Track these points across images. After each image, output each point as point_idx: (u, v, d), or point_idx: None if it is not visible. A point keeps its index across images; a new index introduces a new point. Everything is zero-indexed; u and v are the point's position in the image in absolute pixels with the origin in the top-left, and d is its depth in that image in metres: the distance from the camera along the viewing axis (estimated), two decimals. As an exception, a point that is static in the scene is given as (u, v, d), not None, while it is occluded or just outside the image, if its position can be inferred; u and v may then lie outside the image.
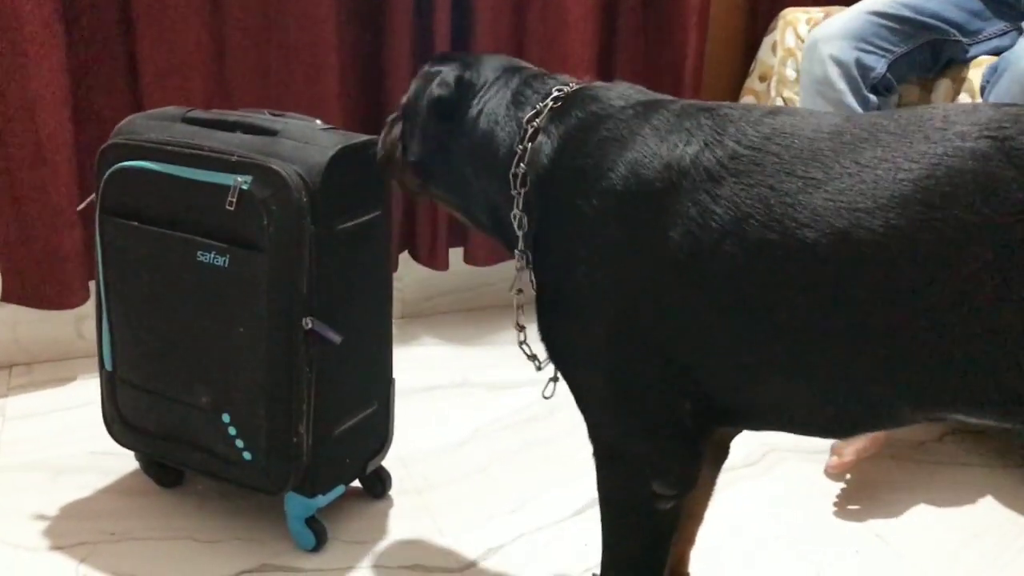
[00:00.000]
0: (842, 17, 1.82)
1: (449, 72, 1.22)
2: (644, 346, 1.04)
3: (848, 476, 1.75)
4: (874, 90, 1.77)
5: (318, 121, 1.48)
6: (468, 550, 1.53)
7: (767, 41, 2.34)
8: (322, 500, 1.49)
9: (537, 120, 1.14)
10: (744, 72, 2.48)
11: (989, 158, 0.85)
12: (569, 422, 1.93)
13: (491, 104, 1.19)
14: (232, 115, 1.50)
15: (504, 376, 2.08)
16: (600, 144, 1.06)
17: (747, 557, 1.53)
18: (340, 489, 1.54)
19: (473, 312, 2.41)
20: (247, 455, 1.45)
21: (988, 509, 1.68)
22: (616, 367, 1.08)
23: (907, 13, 1.77)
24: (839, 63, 1.76)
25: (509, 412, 1.95)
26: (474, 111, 1.19)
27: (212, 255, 1.40)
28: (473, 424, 1.91)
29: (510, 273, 2.46)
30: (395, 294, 2.18)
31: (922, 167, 0.87)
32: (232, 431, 1.45)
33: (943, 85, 1.87)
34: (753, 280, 0.95)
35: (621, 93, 1.14)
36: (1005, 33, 1.76)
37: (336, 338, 1.39)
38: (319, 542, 1.50)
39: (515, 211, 1.14)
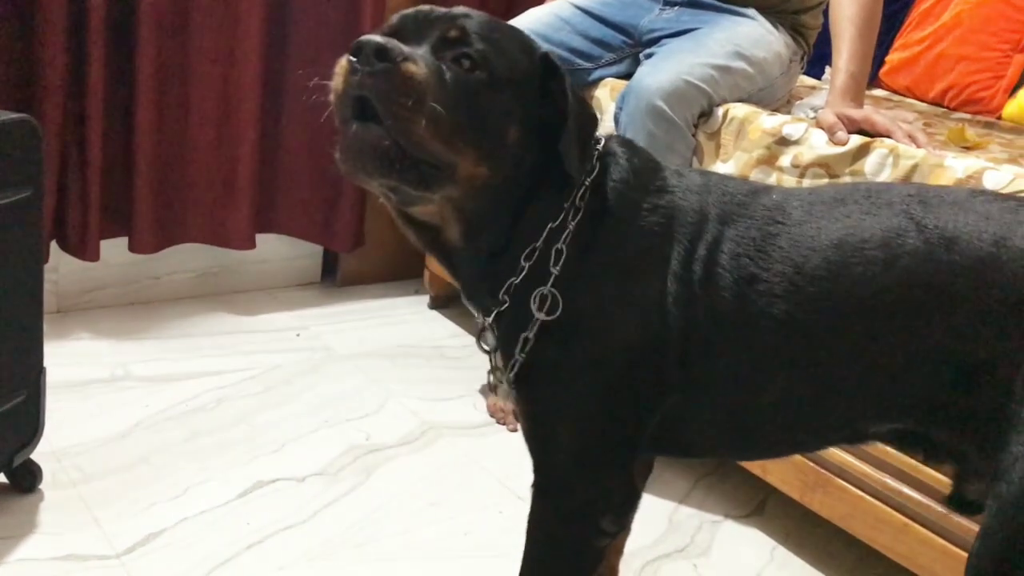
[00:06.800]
0: None
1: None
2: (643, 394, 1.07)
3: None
4: None
5: (-41, 96, 1.41)
6: (127, 537, 1.52)
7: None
8: (-38, 495, 1.41)
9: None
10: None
11: (901, 222, 1.04)
12: (236, 412, 1.96)
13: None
14: None
15: (168, 369, 2.05)
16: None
17: (416, 518, 1.65)
18: (-17, 483, 1.46)
19: (135, 306, 2.34)
20: None
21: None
22: (605, 414, 1.08)
23: None
24: None
25: (173, 404, 1.92)
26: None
27: None
28: (134, 417, 1.87)
29: (177, 263, 2.43)
30: (49, 287, 2.08)
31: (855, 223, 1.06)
32: None
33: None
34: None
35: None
36: (623, 59, 2.01)
37: (-22, 322, 1.33)
38: (-42, 540, 1.42)
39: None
